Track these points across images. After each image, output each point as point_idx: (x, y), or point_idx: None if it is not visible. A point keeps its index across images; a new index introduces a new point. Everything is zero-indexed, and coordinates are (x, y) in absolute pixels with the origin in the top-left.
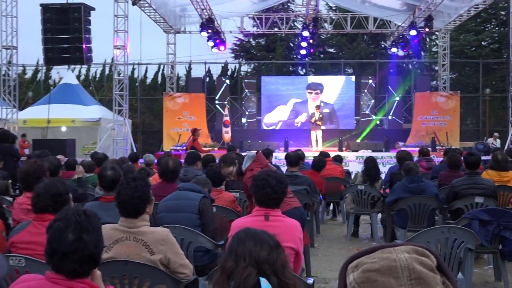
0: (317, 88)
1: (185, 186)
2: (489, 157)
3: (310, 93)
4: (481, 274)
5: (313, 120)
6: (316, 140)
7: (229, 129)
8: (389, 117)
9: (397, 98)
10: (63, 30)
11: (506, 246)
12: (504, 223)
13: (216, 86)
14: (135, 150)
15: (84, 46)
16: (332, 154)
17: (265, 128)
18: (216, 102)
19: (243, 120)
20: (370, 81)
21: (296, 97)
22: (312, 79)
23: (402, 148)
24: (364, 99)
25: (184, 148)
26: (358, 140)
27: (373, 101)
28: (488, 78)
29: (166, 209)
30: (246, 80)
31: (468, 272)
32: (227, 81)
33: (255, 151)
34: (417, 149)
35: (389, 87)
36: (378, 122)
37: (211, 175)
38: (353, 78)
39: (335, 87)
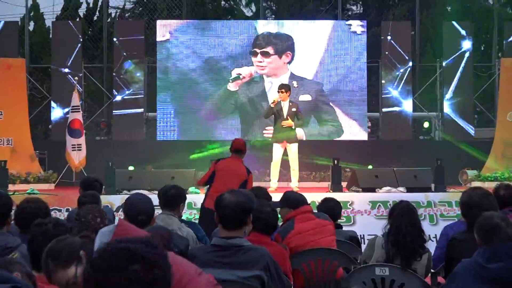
0: (268, 44)
1: None
2: None
3: (255, 54)
4: None
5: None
6: (289, 166)
7: (82, 139)
8: (445, 113)
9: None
10: None
11: None
12: None
13: (52, 43)
14: None
15: None
16: (315, 197)
17: (163, 138)
18: (54, 77)
19: (113, 121)
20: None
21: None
22: (266, 27)
23: (474, 184)
24: (387, 72)
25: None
26: (371, 167)
27: (409, 66)
28: None
29: None
30: (121, 33)
31: None
32: (79, 34)
33: (116, 218)
34: None
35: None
36: (426, 124)
37: (40, 244)
38: (361, 27)
39: (318, 45)
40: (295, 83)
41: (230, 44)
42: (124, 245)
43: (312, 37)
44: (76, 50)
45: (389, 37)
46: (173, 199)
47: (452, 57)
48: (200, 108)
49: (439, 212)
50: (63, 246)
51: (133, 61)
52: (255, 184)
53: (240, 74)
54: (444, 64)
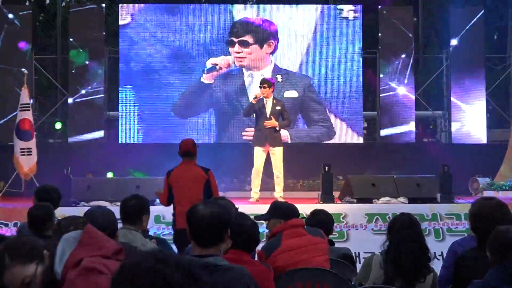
0: (247, 32)
1: None
2: None
3: (232, 43)
4: None
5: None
6: (272, 173)
7: (33, 142)
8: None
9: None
10: None
11: None
12: None
13: None
14: None
15: None
16: (303, 210)
17: (126, 141)
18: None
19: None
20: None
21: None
22: (244, 12)
23: (487, 194)
24: (385, 64)
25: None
26: (367, 175)
27: (412, 49)
28: None
29: None
30: (77, 19)
31: None
32: (29, 20)
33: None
34: None
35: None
36: (432, 125)
37: None
38: (353, 12)
39: (305, 33)
40: (279, 77)
41: (202, 31)
42: (160, 268)
43: (298, 24)
44: (26, 39)
45: (388, 23)
46: (134, 210)
47: (461, 47)
48: (168, 106)
49: (446, 226)
50: (25, 242)
51: (88, 50)
52: (232, 194)
53: (217, 65)
54: (451, 55)
